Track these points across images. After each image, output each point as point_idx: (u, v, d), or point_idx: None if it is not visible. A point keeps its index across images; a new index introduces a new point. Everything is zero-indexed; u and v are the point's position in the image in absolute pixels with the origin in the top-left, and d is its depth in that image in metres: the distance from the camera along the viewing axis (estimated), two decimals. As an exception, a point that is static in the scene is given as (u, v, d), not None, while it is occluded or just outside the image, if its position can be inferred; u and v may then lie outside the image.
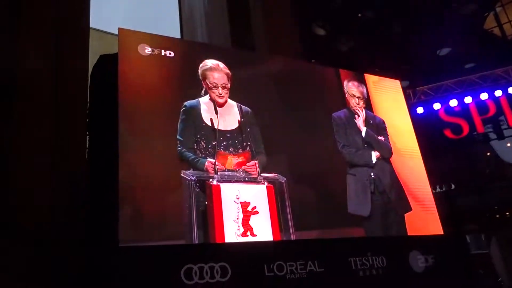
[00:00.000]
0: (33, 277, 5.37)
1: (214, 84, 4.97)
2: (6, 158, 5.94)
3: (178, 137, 4.59)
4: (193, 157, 4.55)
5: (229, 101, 5.07)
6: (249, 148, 4.87)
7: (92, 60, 6.03)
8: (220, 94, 4.96)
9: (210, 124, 4.78)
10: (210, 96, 4.96)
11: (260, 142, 5.01)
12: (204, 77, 5.01)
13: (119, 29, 4.88)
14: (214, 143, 4.69)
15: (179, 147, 4.56)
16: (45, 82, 6.51)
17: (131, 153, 4.28)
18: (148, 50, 4.87)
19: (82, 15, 7.73)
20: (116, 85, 4.49)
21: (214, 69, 5.08)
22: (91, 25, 8.48)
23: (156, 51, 4.91)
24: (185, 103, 4.79)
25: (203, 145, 4.65)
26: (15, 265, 5.29)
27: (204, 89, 4.97)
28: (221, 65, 5.14)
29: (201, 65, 5.07)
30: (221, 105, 4.98)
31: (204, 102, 4.91)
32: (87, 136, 6.30)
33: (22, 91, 6.23)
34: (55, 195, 6.01)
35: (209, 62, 5.11)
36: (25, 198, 5.77)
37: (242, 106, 5.10)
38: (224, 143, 4.76)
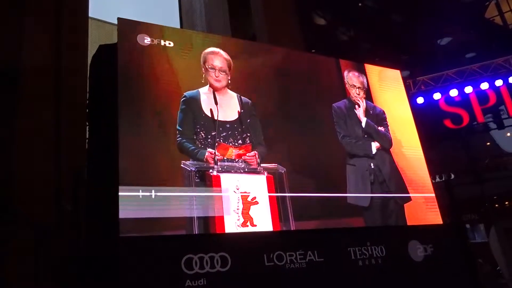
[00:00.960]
0: (34, 268, 5.41)
1: (212, 66, 4.99)
2: (8, 149, 5.96)
3: (177, 127, 4.59)
4: (193, 147, 4.55)
5: (229, 91, 5.06)
6: (249, 140, 4.87)
7: (91, 49, 6.01)
8: (217, 77, 4.96)
9: (209, 115, 4.78)
10: (207, 81, 4.95)
11: (260, 133, 5.01)
12: (204, 60, 5.03)
13: (118, 18, 4.85)
14: (213, 133, 4.69)
15: (178, 137, 4.55)
16: (45, 72, 6.51)
17: (131, 144, 4.28)
18: (147, 40, 4.84)
19: (82, 4, 7.70)
20: (115, 75, 4.47)
21: (215, 53, 5.11)
22: (90, 14, 8.44)
23: (155, 41, 4.89)
24: (184, 93, 4.78)
25: (202, 136, 4.65)
26: (17, 255, 5.33)
27: (203, 76, 4.97)
28: (222, 52, 5.16)
29: (203, 51, 5.10)
30: (218, 89, 4.96)
31: (204, 93, 4.90)
32: (87, 127, 6.30)
33: (24, 82, 6.23)
34: (56, 186, 6.04)
35: (211, 48, 5.15)
36: (27, 190, 5.80)
37: (242, 97, 5.10)
38: (224, 134, 4.76)
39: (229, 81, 5.07)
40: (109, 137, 4.33)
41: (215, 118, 4.76)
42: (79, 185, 5.95)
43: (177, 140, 4.53)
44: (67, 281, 5.35)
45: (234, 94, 5.08)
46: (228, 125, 4.83)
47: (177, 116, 4.64)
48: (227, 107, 4.94)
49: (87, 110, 6.32)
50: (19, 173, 5.90)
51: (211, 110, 4.79)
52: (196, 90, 4.88)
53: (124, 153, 4.18)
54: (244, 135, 4.88)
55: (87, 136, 6.21)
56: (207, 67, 5.00)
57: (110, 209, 4.00)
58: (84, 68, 6.61)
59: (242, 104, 5.05)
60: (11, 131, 6.10)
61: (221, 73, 5.01)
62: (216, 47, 5.20)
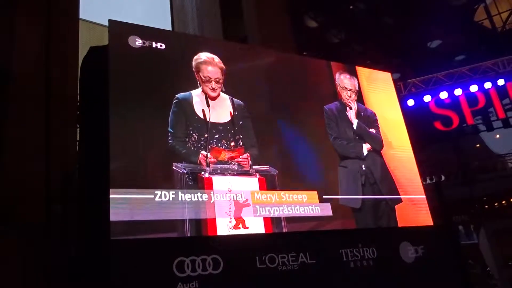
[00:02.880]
0: (23, 269, 5.37)
1: (208, 78, 4.96)
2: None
3: (169, 129, 4.57)
4: (185, 149, 4.54)
5: (222, 94, 5.05)
6: (241, 142, 4.87)
7: (82, 51, 5.98)
8: (213, 88, 4.95)
9: (202, 117, 4.77)
10: (203, 89, 4.94)
11: (252, 135, 5.01)
12: (198, 70, 4.99)
13: (109, 20, 4.82)
14: (206, 136, 4.68)
15: (170, 139, 4.54)
16: (36, 74, 6.46)
17: (121, 146, 4.25)
18: (139, 42, 4.82)
19: (72, 6, 7.66)
20: (106, 77, 4.45)
21: (209, 62, 5.06)
22: (81, 16, 8.40)
23: (147, 43, 4.87)
24: (177, 95, 4.77)
25: (195, 138, 4.64)
26: (7, 256, 5.28)
27: (198, 84, 4.95)
28: (216, 59, 5.12)
29: (195, 57, 5.04)
30: (214, 98, 4.97)
31: (196, 95, 4.88)
32: (78, 129, 6.27)
33: (14, 83, 6.19)
34: (46, 188, 6.00)
35: (203, 55, 5.09)
36: (17, 191, 5.75)
37: (235, 99, 5.09)
38: (217, 136, 4.75)
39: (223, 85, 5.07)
40: (100, 140, 4.31)
41: (208, 120, 4.75)
42: (70, 187, 5.91)
43: (169, 142, 4.52)
44: (56, 283, 5.31)
45: (226, 96, 5.07)
46: (221, 127, 4.83)
47: (168, 118, 4.62)
48: (219, 109, 4.93)
49: (78, 112, 6.29)
50: (9, 175, 5.85)
51: (203, 112, 4.78)
52: (188, 92, 4.86)
53: (115, 155, 4.16)
54: (237, 137, 4.87)
55: (78, 138, 6.16)
56: (202, 77, 4.96)
57: (101, 212, 3.98)
58: (75, 70, 6.58)
59: (234, 106, 5.04)
60: (1, 133, 6.05)
61: (217, 84, 4.99)
62: (208, 50, 5.18)
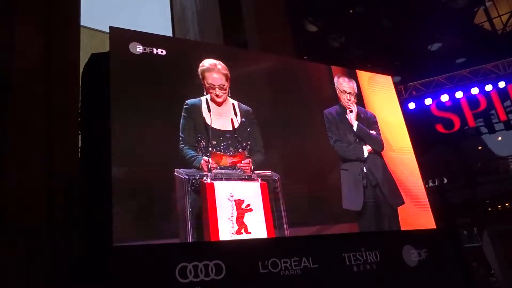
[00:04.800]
0: (27, 276, 5.37)
1: (211, 85, 5.00)
2: (1, 158, 5.93)
3: (180, 134, 4.62)
4: (192, 155, 4.56)
5: (230, 100, 5.07)
6: (248, 147, 4.88)
7: (83, 58, 6.00)
8: (218, 95, 4.99)
9: (210, 124, 4.79)
10: (210, 95, 4.99)
11: (260, 141, 5.03)
12: (203, 77, 5.04)
13: (110, 27, 4.85)
14: (214, 143, 4.70)
15: (181, 144, 4.58)
16: (37, 81, 6.49)
17: (123, 152, 4.26)
18: (139, 49, 4.84)
19: (73, 13, 7.70)
20: (107, 84, 4.46)
21: (212, 69, 5.10)
22: (82, 23, 8.43)
23: (148, 50, 4.89)
24: (187, 101, 4.81)
25: (203, 144, 4.66)
26: (11, 263, 5.29)
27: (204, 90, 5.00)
28: (219, 65, 5.14)
29: (200, 64, 5.08)
30: (220, 104, 4.99)
31: (205, 101, 4.92)
32: (79, 136, 6.28)
33: (15, 91, 6.22)
34: (49, 195, 6.01)
35: (207, 62, 5.12)
36: (19, 199, 5.76)
37: (242, 105, 5.10)
38: (224, 144, 4.76)
39: (229, 91, 5.09)
40: (102, 146, 4.32)
41: (215, 128, 4.78)
42: (72, 195, 5.92)
43: (180, 147, 4.55)
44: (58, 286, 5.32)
45: (235, 102, 5.09)
46: (228, 135, 4.84)
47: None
48: (227, 116, 4.95)
49: (79, 119, 6.30)
50: (11, 183, 5.86)
51: (211, 119, 4.80)
52: (198, 98, 4.90)
53: (117, 161, 4.17)
54: (244, 144, 4.89)
55: (80, 145, 6.18)
56: (206, 85, 5.00)
57: (103, 218, 3.98)
58: (76, 76, 6.60)
59: (242, 112, 5.06)
60: (2, 140, 6.07)
61: (222, 91, 5.02)
62: (209, 55, 5.19)
